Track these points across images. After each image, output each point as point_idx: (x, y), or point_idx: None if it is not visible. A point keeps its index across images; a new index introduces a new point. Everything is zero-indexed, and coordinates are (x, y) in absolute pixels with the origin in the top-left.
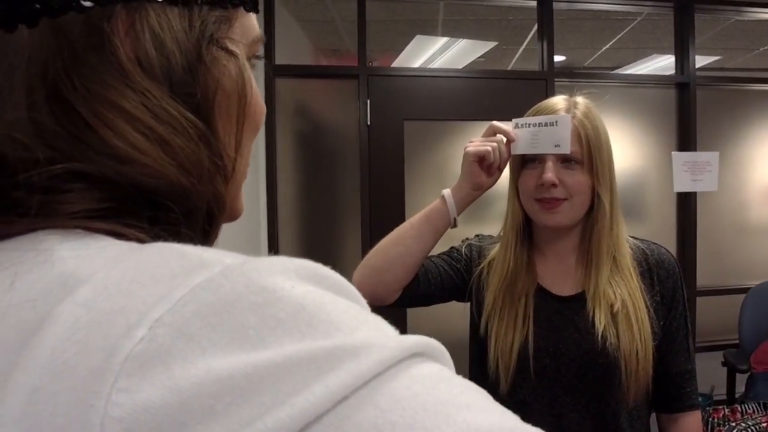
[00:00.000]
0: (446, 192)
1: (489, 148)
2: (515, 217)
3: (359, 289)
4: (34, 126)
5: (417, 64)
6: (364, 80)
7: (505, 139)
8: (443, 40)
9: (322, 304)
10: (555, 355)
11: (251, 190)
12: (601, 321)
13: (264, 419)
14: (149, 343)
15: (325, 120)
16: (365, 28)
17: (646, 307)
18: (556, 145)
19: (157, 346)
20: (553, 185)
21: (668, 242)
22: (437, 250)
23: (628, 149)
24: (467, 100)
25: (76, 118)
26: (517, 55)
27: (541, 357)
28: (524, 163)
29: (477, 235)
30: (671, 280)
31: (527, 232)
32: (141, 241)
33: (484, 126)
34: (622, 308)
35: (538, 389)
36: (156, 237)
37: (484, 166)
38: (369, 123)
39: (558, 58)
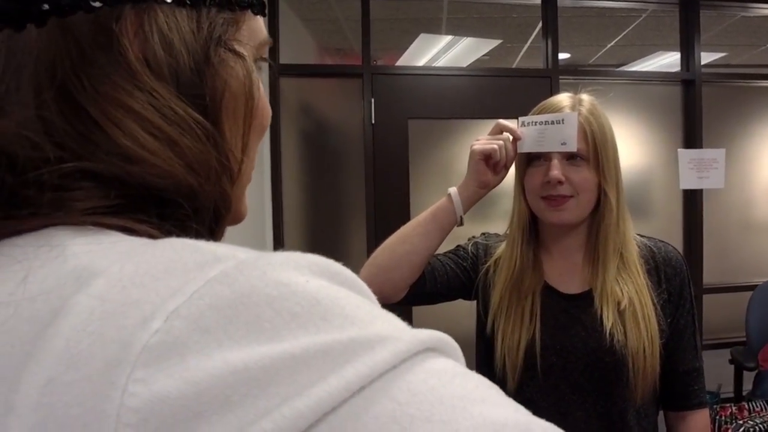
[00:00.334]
0: (452, 190)
1: (495, 146)
2: (521, 216)
3: None
4: (44, 125)
5: (421, 62)
6: (368, 79)
7: (511, 138)
8: (447, 38)
9: (337, 299)
10: (562, 353)
11: (256, 189)
12: (608, 319)
13: (281, 409)
14: (165, 335)
15: (329, 119)
16: (369, 27)
17: (653, 304)
18: (563, 143)
19: (173, 338)
20: (560, 182)
21: (674, 240)
22: (443, 248)
23: (633, 147)
24: (472, 99)
25: (85, 117)
26: (521, 53)
27: (548, 355)
28: (530, 161)
29: (483, 234)
30: (678, 278)
31: (534, 230)
32: (153, 237)
33: (488, 124)
34: (630, 306)
35: (545, 387)
36: (167, 233)
37: (491, 164)
38: (373, 122)
39: (563, 56)
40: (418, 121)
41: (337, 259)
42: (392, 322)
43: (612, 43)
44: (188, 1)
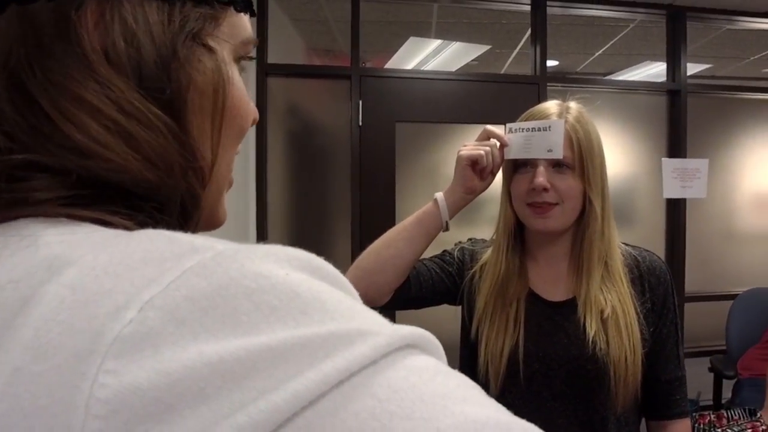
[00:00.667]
0: (439, 195)
1: (482, 152)
2: (507, 222)
3: None
4: None
5: (410, 66)
6: (356, 81)
7: (498, 144)
8: (437, 42)
9: (317, 293)
10: (544, 361)
11: (240, 189)
12: (591, 327)
13: (257, 403)
14: (139, 326)
15: (316, 120)
16: (359, 29)
17: (636, 313)
18: (549, 150)
19: (147, 329)
20: (545, 190)
21: (657, 248)
22: (430, 252)
23: (618, 155)
24: (460, 103)
25: (37, 109)
26: (510, 59)
27: (531, 362)
28: (516, 168)
29: (470, 239)
30: (662, 287)
31: (519, 237)
32: (127, 228)
33: (476, 129)
34: (612, 314)
35: (527, 394)
36: (141, 225)
37: (477, 170)
38: (361, 124)
39: (551, 63)
40: (405, 125)
41: None
42: (373, 318)
43: (600, 52)
44: None
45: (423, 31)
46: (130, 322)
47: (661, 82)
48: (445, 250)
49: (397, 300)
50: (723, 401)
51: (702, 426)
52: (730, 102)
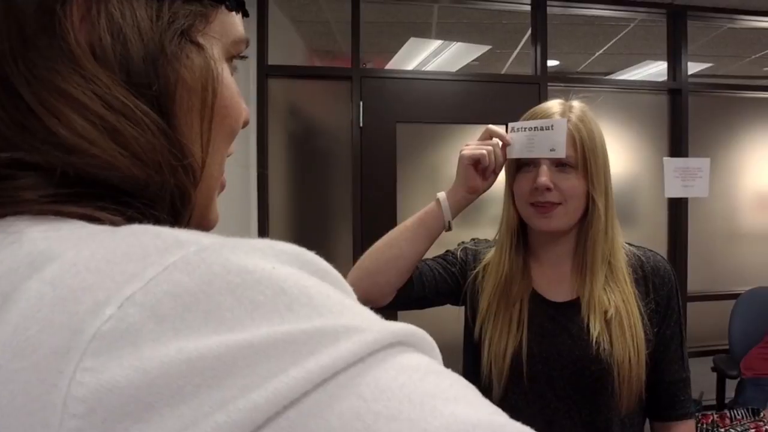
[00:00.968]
0: (441, 195)
1: (484, 151)
2: (510, 222)
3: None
4: None
5: (410, 66)
6: (357, 82)
7: (500, 143)
8: (437, 42)
9: (304, 288)
10: (548, 361)
11: (242, 191)
12: (595, 327)
13: (237, 402)
14: (118, 322)
15: (317, 121)
16: (359, 30)
17: (640, 314)
18: (552, 150)
19: (126, 325)
20: (548, 189)
21: (659, 248)
22: (432, 253)
23: (620, 154)
24: (460, 104)
25: (20, 103)
26: (510, 59)
27: (535, 363)
28: (519, 167)
29: (473, 239)
30: (666, 288)
31: (522, 237)
32: (115, 224)
33: (477, 129)
34: (616, 315)
35: (531, 395)
36: (130, 220)
37: (480, 169)
38: (361, 125)
39: (551, 63)
40: (406, 125)
41: None
42: (363, 314)
43: (601, 51)
44: None
45: (423, 31)
46: (110, 318)
47: (662, 82)
48: (447, 251)
49: (400, 300)
50: (726, 401)
51: (705, 426)
52: (731, 101)
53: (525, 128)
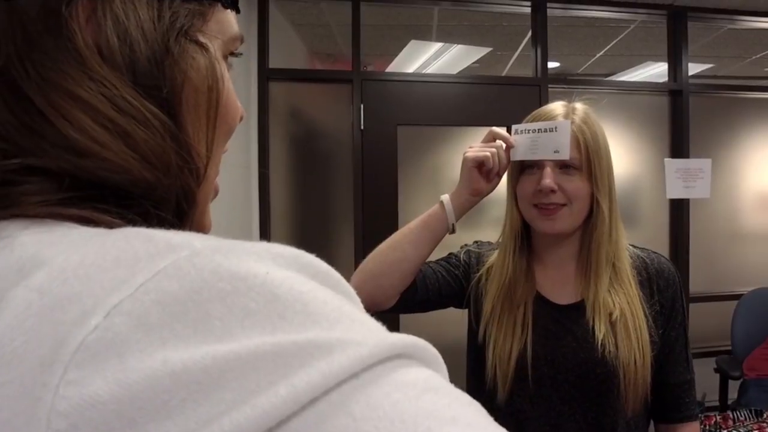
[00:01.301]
0: (445, 197)
1: (488, 153)
2: (514, 224)
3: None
4: None
5: (411, 69)
6: (358, 85)
7: (504, 145)
8: (437, 45)
9: (299, 294)
10: (553, 364)
11: (243, 194)
12: (600, 330)
13: (221, 420)
14: (104, 332)
15: (318, 124)
16: (360, 33)
17: (645, 316)
18: (556, 151)
19: (112, 335)
20: (552, 191)
21: (661, 249)
22: (436, 255)
23: (621, 156)
24: (461, 106)
25: (30, 107)
26: (511, 61)
27: (540, 366)
28: (523, 169)
29: (476, 242)
30: (671, 289)
31: (526, 239)
32: (112, 226)
33: (478, 132)
34: (621, 317)
35: (536, 398)
36: (129, 222)
37: (483, 171)
38: (362, 128)
39: (552, 65)
40: (407, 128)
41: None
42: (363, 322)
43: (601, 53)
44: None
45: (424, 34)
46: (96, 328)
47: (663, 83)
48: (450, 253)
49: (403, 303)
50: (729, 402)
51: (708, 427)
52: (732, 101)
53: (528, 130)
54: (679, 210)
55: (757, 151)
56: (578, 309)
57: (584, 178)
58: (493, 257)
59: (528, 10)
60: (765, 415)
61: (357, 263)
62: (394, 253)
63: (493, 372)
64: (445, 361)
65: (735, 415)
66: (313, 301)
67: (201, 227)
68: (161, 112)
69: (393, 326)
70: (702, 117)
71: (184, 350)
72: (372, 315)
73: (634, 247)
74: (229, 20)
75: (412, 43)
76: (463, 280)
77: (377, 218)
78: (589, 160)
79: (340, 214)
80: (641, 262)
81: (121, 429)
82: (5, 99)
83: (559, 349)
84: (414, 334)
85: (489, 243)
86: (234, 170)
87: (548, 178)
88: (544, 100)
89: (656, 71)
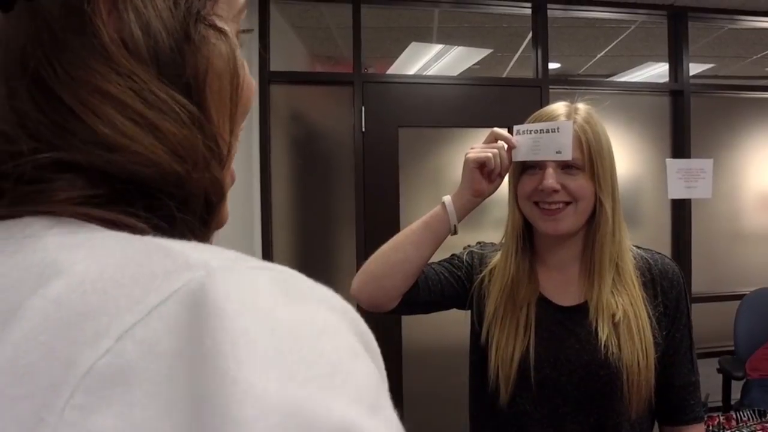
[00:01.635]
0: (447, 199)
1: (490, 154)
2: (515, 224)
3: (358, 295)
4: (16, 115)
5: (412, 71)
6: (359, 87)
7: (506, 146)
8: (438, 47)
9: (318, 339)
10: (556, 366)
11: (245, 197)
12: (603, 331)
13: None
14: (115, 358)
15: (319, 127)
16: (360, 35)
17: (649, 317)
18: (558, 152)
19: (123, 361)
20: (555, 191)
21: (663, 249)
22: (437, 256)
23: (622, 156)
24: (462, 108)
25: (60, 105)
26: (512, 63)
27: (542, 367)
28: (524, 169)
29: (479, 242)
30: (675, 291)
31: (528, 240)
32: (138, 230)
33: (479, 133)
34: (624, 318)
35: (539, 400)
36: (154, 227)
37: (485, 172)
38: (364, 130)
39: (553, 66)
40: (408, 130)
41: (327, 267)
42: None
43: (602, 54)
44: None
45: (424, 36)
46: (107, 352)
47: (664, 83)
48: (453, 254)
49: (405, 304)
50: (732, 402)
51: (711, 428)
52: (733, 101)
53: (530, 131)
54: (680, 210)
55: (758, 151)
56: (581, 311)
57: (587, 177)
58: (495, 258)
59: (528, 11)
60: None
61: (359, 265)
62: (396, 254)
63: (496, 373)
64: (447, 362)
65: (738, 415)
66: (328, 350)
67: (220, 218)
68: (189, 102)
69: (396, 327)
70: (703, 117)
71: (192, 390)
72: (373, 316)
73: (638, 247)
74: None
75: (413, 45)
76: (465, 282)
77: (379, 220)
78: (591, 160)
79: (342, 215)
80: (645, 263)
81: None
82: (35, 99)
83: (562, 351)
84: (416, 335)
85: (492, 244)
86: (235, 173)
87: (550, 179)
88: (545, 101)
89: (657, 71)
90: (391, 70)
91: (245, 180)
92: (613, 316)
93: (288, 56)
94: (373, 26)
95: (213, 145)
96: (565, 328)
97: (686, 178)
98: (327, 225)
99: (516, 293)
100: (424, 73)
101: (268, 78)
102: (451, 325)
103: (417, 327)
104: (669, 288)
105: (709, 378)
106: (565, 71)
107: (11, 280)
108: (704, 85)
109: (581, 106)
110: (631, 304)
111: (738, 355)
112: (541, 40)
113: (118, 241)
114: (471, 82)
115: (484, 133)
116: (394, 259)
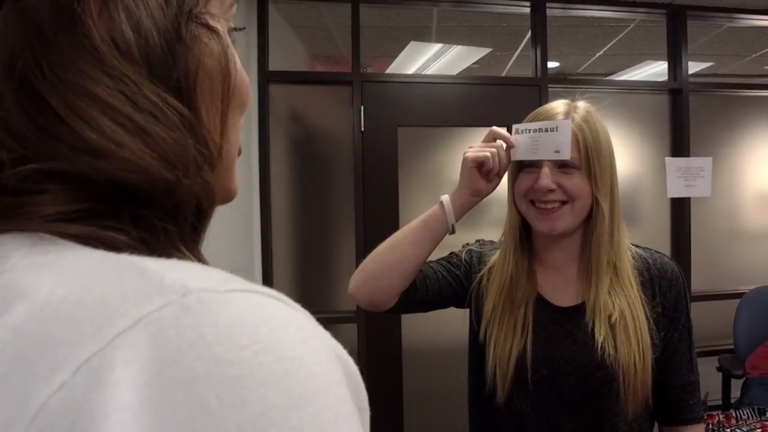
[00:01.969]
0: (445, 198)
1: (488, 153)
2: (513, 222)
3: (355, 294)
4: (1, 121)
5: (411, 70)
6: (358, 86)
7: (504, 145)
8: (437, 46)
9: (303, 374)
10: (552, 366)
11: (244, 196)
12: (600, 332)
13: None
14: (67, 393)
15: (318, 126)
16: (359, 35)
17: (646, 318)
18: (556, 151)
19: (74, 396)
20: (550, 190)
21: (662, 248)
22: (436, 254)
23: (621, 155)
24: (461, 107)
25: (46, 110)
26: (511, 62)
27: (539, 367)
28: (521, 168)
29: (478, 241)
30: (674, 290)
31: (526, 239)
32: (117, 245)
33: (478, 132)
34: (621, 319)
35: (536, 399)
36: (138, 241)
37: (484, 171)
38: (363, 129)
39: (552, 65)
40: (407, 129)
41: (326, 266)
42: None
43: (601, 52)
44: None
45: (423, 35)
46: (61, 387)
47: (663, 82)
48: (452, 252)
49: (403, 303)
50: (732, 401)
51: (711, 426)
52: (732, 100)
53: (529, 130)
54: (680, 209)
55: (757, 149)
56: (579, 311)
57: (584, 176)
58: (494, 257)
59: (527, 10)
60: None
61: (358, 264)
62: (394, 253)
63: (493, 372)
64: (447, 362)
65: (738, 413)
66: (313, 385)
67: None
68: (180, 104)
69: (394, 326)
70: (702, 115)
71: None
72: (372, 315)
73: (637, 247)
74: None
75: (412, 45)
76: (464, 280)
77: (378, 219)
78: (588, 158)
79: (341, 215)
80: (643, 263)
81: None
82: (22, 103)
83: (558, 352)
84: (414, 334)
85: (492, 242)
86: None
87: (546, 178)
88: (544, 100)
89: (656, 70)
90: (390, 70)
91: (245, 179)
92: (610, 317)
93: (287, 56)
94: (372, 25)
95: (204, 149)
96: (562, 328)
97: (685, 176)
98: (326, 224)
99: (514, 292)
100: (423, 73)
101: (267, 77)
102: (451, 324)
103: (416, 327)
104: (668, 288)
105: (708, 376)
106: (564, 70)
107: None
108: (703, 84)
109: (581, 104)
110: (629, 305)
111: (738, 353)
112: (540, 38)
113: (90, 260)
114: (470, 81)
115: (484, 132)
116: (391, 258)
